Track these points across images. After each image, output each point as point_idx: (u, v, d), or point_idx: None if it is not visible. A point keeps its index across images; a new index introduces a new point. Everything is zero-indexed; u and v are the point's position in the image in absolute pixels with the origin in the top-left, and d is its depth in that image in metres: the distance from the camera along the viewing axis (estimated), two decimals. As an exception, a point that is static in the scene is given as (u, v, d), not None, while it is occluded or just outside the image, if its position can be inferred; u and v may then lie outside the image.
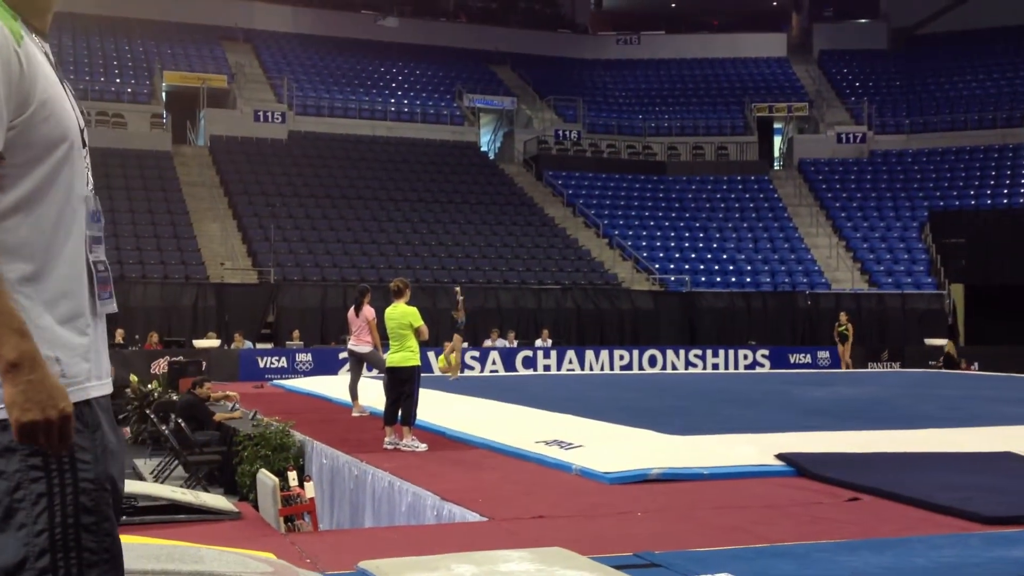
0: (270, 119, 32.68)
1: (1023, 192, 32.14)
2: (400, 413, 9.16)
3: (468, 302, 24.03)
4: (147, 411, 14.03)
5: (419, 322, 9.28)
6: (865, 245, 31.27)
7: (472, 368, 22.35)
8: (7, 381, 1.75)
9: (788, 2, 46.29)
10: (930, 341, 25.78)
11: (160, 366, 18.45)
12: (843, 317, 23.13)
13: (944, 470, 7.35)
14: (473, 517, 6.09)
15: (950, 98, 37.79)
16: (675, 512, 6.19)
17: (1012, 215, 30.68)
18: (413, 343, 9.26)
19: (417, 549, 5.05)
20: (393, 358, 9.32)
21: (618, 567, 4.52)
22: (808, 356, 25.13)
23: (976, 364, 24.35)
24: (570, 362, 23.70)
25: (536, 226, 30.72)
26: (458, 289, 18.11)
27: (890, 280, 29.40)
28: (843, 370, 22.77)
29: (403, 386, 9.20)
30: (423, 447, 8.93)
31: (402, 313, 9.33)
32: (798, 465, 7.49)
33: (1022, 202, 31.62)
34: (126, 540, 2.51)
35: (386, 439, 9.14)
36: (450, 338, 18.22)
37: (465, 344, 19.57)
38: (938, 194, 33.08)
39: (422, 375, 9.48)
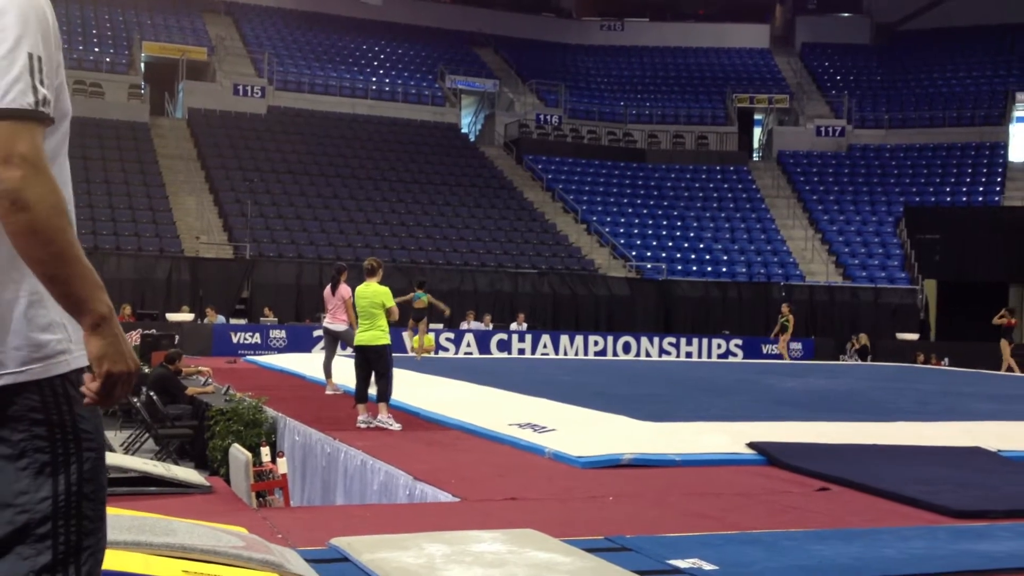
0: (250, 93, 32.41)
1: (999, 190, 32.42)
2: (376, 391, 9.17)
3: (444, 282, 24.02)
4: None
5: (391, 302, 9.30)
6: (840, 238, 31.46)
7: (447, 350, 22.33)
8: (97, 334, 1.80)
9: (772, -6, 46.35)
10: (902, 335, 25.99)
11: (132, 338, 18.32)
12: (784, 308, 23.06)
13: (914, 463, 7.41)
14: (445, 497, 6.09)
15: (929, 94, 38.02)
16: (646, 497, 6.21)
17: (987, 213, 30.95)
18: (383, 322, 9.28)
19: (389, 527, 5.05)
20: (362, 336, 9.31)
21: (589, 550, 4.54)
22: (780, 347, 25.24)
23: (947, 360, 24.57)
24: (545, 346, 23.75)
25: (515, 210, 30.68)
26: (420, 295, 17.80)
27: (864, 274, 29.60)
28: (780, 361, 22.84)
29: (373, 365, 9.20)
30: (397, 426, 8.93)
31: (374, 292, 9.34)
32: (769, 454, 7.54)
33: (997, 200, 31.90)
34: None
35: (360, 417, 9.13)
36: (420, 318, 18.17)
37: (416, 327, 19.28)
38: (914, 190, 33.31)
39: (394, 354, 9.48)
